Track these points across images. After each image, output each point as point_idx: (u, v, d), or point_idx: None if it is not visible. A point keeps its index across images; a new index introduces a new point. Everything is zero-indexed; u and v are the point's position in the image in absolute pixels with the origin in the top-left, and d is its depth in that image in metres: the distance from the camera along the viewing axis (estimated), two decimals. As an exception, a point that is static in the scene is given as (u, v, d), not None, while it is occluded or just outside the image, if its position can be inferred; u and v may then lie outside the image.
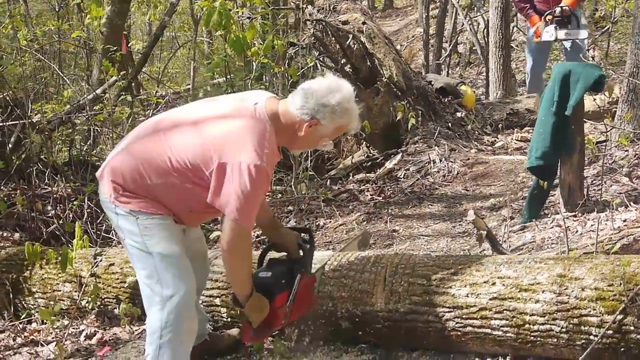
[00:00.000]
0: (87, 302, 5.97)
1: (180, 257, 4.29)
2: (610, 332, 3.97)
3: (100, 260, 6.08)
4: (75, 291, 6.06)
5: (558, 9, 9.57)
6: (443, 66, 18.69)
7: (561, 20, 9.61)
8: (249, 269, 4.31)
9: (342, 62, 10.49)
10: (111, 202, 4.27)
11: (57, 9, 15.78)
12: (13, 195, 8.16)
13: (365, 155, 10.52)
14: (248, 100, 4.27)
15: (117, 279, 5.91)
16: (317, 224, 8.35)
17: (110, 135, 9.42)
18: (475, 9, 18.98)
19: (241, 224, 4.06)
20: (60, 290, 6.18)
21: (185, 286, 4.25)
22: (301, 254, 4.65)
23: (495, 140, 10.64)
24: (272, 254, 4.75)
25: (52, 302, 6.10)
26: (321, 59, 10.84)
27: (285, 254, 4.68)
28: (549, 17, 9.67)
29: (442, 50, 19.26)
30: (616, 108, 8.26)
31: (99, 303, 5.98)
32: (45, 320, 5.95)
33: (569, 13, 9.60)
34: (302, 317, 4.84)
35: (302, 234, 4.74)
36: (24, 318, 6.27)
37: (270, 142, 4.11)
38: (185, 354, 4.34)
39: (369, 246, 6.66)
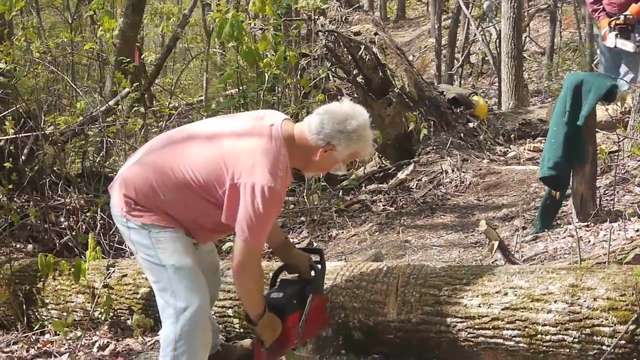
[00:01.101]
0: (100, 313, 5.97)
1: (194, 270, 4.28)
2: (622, 342, 3.95)
3: (113, 272, 6.09)
4: (88, 302, 6.06)
5: (622, 17, 9.46)
6: (455, 76, 18.71)
7: (625, 28, 9.49)
8: (261, 289, 4.32)
9: (354, 72, 10.51)
10: (123, 216, 4.28)
11: (70, 21, 15.86)
12: (26, 207, 8.17)
13: (378, 166, 10.52)
14: (264, 120, 4.28)
15: (130, 290, 5.92)
16: (329, 234, 8.36)
17: (123, 146, 9.45)
18: (488, 19, 18.95)
19: (252, 244, 4.08)
20: (73, 302, 6.18)
21: (199, 298, 4.25)
22: (313, 274, 4.66)
23: (507, 151, 10.62)
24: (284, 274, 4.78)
25: (65, 314, 6.11)
26: (333, 69, 10.86)
27: (297, 275, 4.70)
28: (614, 23, 9.57)
29: (455, 61, 19.30)
30: (629, 118, 8.24)
31: (111, 314, 5.98)
32: (58, 332, 5.96)
33: (633, 22, 9.48)
34: (315, 337, 4.86)
35: (313, 255, 4.77)
36: (37, 329, 6.27)
37: (284, 164, 4.12)
38: None
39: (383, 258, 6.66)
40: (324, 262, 4.83)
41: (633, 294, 3.98)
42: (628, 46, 9.52)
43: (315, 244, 7.98)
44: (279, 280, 4.75)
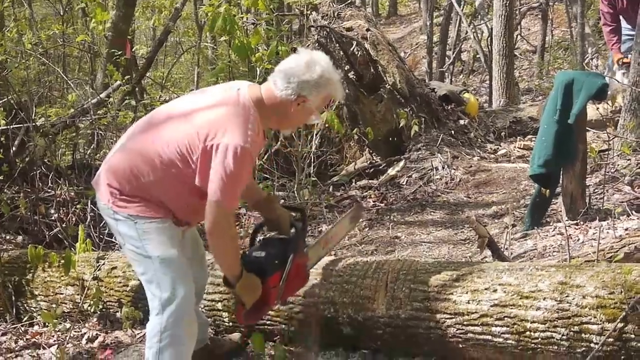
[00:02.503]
0: (89, 306, 5.97)
1: (179, 261, 4.29)
2: (610, 340, 3.97)
3: (103, 264, 6.08)
4: (78, 294, 6.06)
5: (630, 56, 9.37)
6: (446, 74, 18.73)
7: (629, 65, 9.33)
8: (236, 250, 4.32)
9: (345, 68, 10.51)
10: (109, 208, 4.29)
11: (61, 13, 15.81)
12: (16, 198, 8.17)
13: (368, 162, 10.53)
14: (232, 88, 4.32)
15: (120, 282, 5.92)
16: (319, 229, 8.36)
17: (114, 139, 9.42)
18: (479, 17, 18.99)
19: (224, 205, 4.08)
20: (62, 294, 6.18)
21: (184, 290, 4.26)
22: (293, 232, 4.67)
23: (497, 148, 10.64)
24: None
25: (54, 305, 6.10)
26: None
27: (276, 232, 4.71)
28: (622, 61, 9.48)
29: (446, 58, 19.32)
30: (619, 117, 8.26)
31: (101, 306, 5.98)
32: (47, 323, 5.96)
33: None
34: (294, 294, 4.88)
35: (295, 213, 4.77)
36: (26, 321, 6.26)
37: (254, 125, 4.15)
38: (185, 358, 4.35)
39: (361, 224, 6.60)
40: (306, 220, 4.87)
41: (622, 292, 4.00)
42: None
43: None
44: (260, 239, 4.76)
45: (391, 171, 9.89)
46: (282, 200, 8.97)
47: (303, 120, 4.55)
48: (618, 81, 9.07)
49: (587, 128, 6.87)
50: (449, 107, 11.28)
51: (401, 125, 10.10)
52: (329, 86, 4.27)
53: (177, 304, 4.22)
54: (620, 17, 9.74)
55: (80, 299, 5.99)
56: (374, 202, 9.17)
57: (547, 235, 6.56)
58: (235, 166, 4.00)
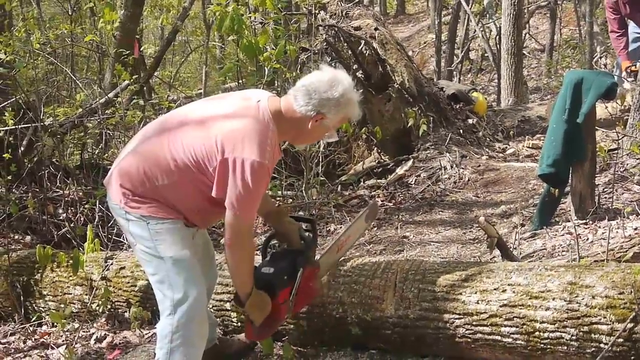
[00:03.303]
0: (97, 306, 5.97)
1: (191, 262, 4.30)
2: (620, 340, 3.96)
3: (111, 264, 6.08)
4: (86, 294, 6.06)
5: (639, 64, 9.34)
6: (455, 73, 18.71)
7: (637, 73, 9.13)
8: (251, 266, 4.33)
9: (354, 67, 10.50)
10: (121, 208, 4.29)
11: (70, 13, 15.81)
12: (25, 198, 8.18)
13: (376, 161, 10.51)
14: (251, 99, 4.32)
15: (128, 282, 5.92)
16: (327, 229, 8.36)
17: (122, 139, 9.44)
18: (488, 15, 18.96)
19: (242, 218, 4.10)
20: (70, 294, 6.18)
21: (196, 290, 4.26)
22: (303, 244, 4.66)
23: (506, 147, 10.62)
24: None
25: (62, 305, 6.11)
26: (333, 64, 10.83)
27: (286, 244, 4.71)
28: (630, 69, 9.43)
29: (454, 57, 19.30)
30: (628, 116, 8.24)
31: (109, 306, 5.98)
32: (55, 323, 5.96)
33: None
34: (307, 306, 4.88)
35: (305, 224, 4.76)
36: (34, 321, 6.26)
37: (273, 140, 4.17)
38: (196, 359, 4.35)
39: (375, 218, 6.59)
40: (316, 231, 4.87)
41: (631, 292, 3.99)
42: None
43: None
44: (269, 251, 4.75)
45: (399, 170, 9.87)
46: (291, 200, 8.98)
47: (318, 137, 4.57)
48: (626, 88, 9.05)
49: (596, 127, 6.85)
50: (458, 106, 11.27)
51: (409, 124, 10.08)
52: (349, 107, 4.29)
53: (189, 304, 4.22)
54: (628, 20, 9.71)
55: (89, 299, 5.99)
56: (382, 201, 9.15)
57: (556, 235, 6.54)
58: (253, 182, 4.03)
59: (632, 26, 9.74)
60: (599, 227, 6.37)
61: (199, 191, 4.22)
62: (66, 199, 8.41)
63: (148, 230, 4.25)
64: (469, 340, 4.45)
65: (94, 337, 5.85)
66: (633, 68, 9.34)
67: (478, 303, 4.41)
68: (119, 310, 5.98)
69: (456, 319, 4.47)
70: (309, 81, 4.28)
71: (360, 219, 5.37)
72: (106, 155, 10.09)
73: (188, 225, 4.37)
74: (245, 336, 4.97)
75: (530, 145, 10.47)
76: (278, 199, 8.75)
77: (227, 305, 5.30)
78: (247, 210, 4.12)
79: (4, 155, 7.52)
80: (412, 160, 9.97)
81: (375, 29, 10.83)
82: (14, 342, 6.02)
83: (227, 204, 4.08)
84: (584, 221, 6.52)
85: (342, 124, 4.55)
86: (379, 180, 9.93)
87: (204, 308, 4.42)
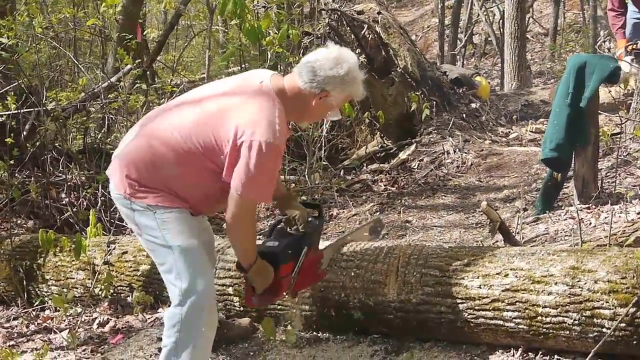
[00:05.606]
0: (100, 290, 5.98)
1: (199, 250, 4.27)
2: (622, 324, 3.95)
3: (114, 248, 6.10)
4: (89, 279, 6.07)
5: (639, 42, 9.27)
6: (458, 57, 18.69)
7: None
8: (253, 239, 4.31)
9: (357, 52, 10.47)
10: (127, 199, 4.25)
11: (72, -4, 15.78)
12: (27, 183, 8.18)
13: (379, 146, 10.50)
14: (254, 79, 4.31)
15: (131, 267, 5.93)
16: (330, 213, 8.36)
17: (125, 123, 9.42)
18: (491, -1, 18.94)
19: (247, 198, 4.08)
20: (73, 278, 6.19)
21: (205, 279, 4.24)
22: (309, 228, 4.67)
23: (509, 132, 10.62)
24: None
25: (65, 290, 6.12)
26: (337, 47, 10.81)
27: (295, 227, 4.71)
28: (630, 47, 9.39)
29: (457, 41, 19.27)
30: (631, 100, 8.22)
31: (112, 291, 5.99)
32: (58, 308, 5.97)
33: None
34: (306, 289, 4.91)
35: (313, 210, 4.77)
36: (37, 305, 6.28)
37: (281, 118, 4.14)
38: (204, 347, 4.32)
39: (382, 236, 6.65)
40: (323, 217, 4.86)
41: (634, 276, 3.98)
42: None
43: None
44: (275, 230, 4.76)
45: (402, 155, 9.88)
46: (293, 185, 8.98)
47: (322, 114, 4.54)
48: (635, 71, 8.99)
49: (599, 111, 6.84)
50: (461, 91, 11.27)
51: (412, 108, 10.08)
52: (354, 85, 4.27)
53: (198, 294, 4.19)
54: (628, 1, 9.65)
55: (91, 284, 6.00)
56: (385, 185, 9.16)
57: (558, 220, 6.54)
58: (261, 162, 4.00)
59: (631, 8, 9.69)
60: (602, 211, 6.37)
61: (206, 177, 4.20)
62: (69, 183, 8.42)
63: (155, 220, 4.21)
64: (471, 324, 4.45)
65: (97, 321, 5.87)
66: (634, 46, 9.27)
67: (480, 288, 4.41)
68: (122, 295, 6.00)
69: (458, 303, 4.47)
70: (315, 58, 4.27)
71: (363, 228, 5.46)
72: (109, 139, 10.08)
73: (194, 214, 4.35)
74: (244, 301, 4.98)
75: (534, 130, 10.47)
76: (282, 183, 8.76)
77: (230, 290, 5.31)
78: (253, 190, 4.09)
79: (6, 140, 7.51)
80: (414, 144, 9.97)
81: (379, 12, 10.82)
82: (17, 326, 6.03)
83: (232, 183, 4.05)
84: (587, 206, 6.52)
85: (346, 101, 4.53)
86: (381, 165, 9.93)
87: (213, 297, 4.38)
